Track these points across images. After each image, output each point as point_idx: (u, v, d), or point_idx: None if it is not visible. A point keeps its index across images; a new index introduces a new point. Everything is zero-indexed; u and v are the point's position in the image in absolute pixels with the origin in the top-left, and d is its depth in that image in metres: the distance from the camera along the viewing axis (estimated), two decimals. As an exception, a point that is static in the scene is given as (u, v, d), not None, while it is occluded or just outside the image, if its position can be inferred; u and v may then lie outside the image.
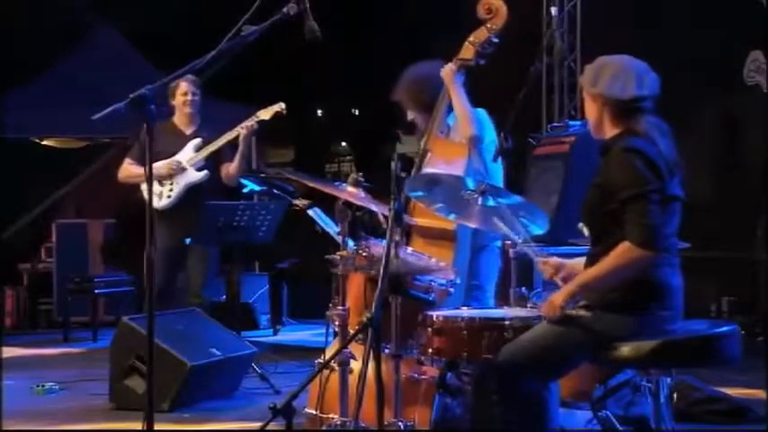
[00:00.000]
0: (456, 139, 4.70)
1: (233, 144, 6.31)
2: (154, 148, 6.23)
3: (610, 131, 3.59)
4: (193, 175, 6.34)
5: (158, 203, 6.29)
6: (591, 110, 3.63)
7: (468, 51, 4.66)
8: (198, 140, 6.39)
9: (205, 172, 6.36)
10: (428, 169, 4.51)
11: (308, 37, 3.77)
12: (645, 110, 3.55)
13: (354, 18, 11.34)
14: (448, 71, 4.65)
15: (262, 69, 10.94)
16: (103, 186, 6.78)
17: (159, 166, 6.21)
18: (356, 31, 11.45)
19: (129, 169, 6.47)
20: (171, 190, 6.32)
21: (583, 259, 3.68)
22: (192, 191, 6.35)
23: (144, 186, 6.32)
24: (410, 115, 4.92)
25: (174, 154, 6.34)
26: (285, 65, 11.34)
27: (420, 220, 4.49)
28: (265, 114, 6.25)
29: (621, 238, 3.40)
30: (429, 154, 4.64)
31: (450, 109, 4.71)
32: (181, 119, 6.46)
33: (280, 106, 6.22)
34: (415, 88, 4.82)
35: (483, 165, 4.61)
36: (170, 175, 6.30)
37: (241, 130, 6.23)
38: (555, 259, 3.73)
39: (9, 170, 10.00)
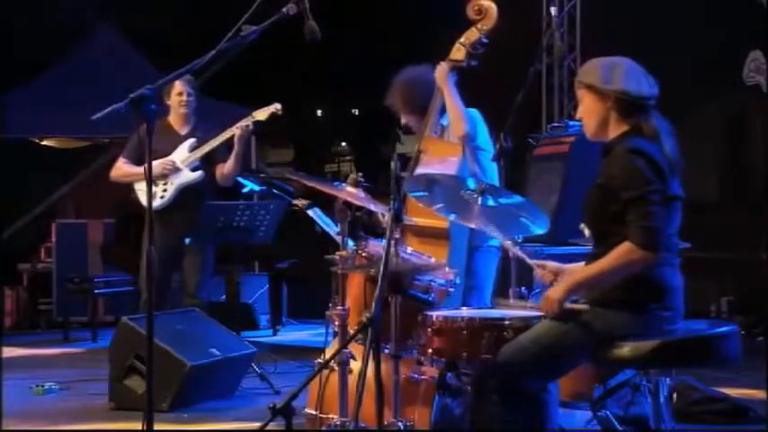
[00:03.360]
0: (450, 139, 4.71)
1: (227, 144, 6.26)
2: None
3: (614, 131, 3.56)
4: (188, 176, 6.28)
5: (152, 203, 6.25)
6: (595, 109, 3.57)
7: (459, 53, 4.67)
8: (192, 140, 6.33)
9: (200, 172, 6.30)
10: (422, 169, 4.51)
11: (308, 37, 3.76)
12: (652, 108, 3.55)
13: (354, 18, 11.34)
14: (441, 71, 4.65)
15: (262, 69, 10.95)
16: (103, 186, 6.75)
17: (153, 166, 6.17)
18: (356, 31, 11.45)
19: (123, 168, 6.40)
20: (165, 190, 6.25)
21: (580, 264, 3.69)
22: (186, 191, 6.30)
23: (137, 186, 6.32)
24: (404, 119, 4.93)
25: (168, 154, 6.29)
26: (285, 65, 11.35)
27: (414, 219, 4.49)
28: (261, 115, 6.17)
29: (623, 239, 3.40)
30: (423, 154, 4.63)
31: (443, 109, 4.71)
32: (175, 119, 6.41)
33: (275, 107, 6.15)
34: (408, 91, 4.83)
35: (478, 165, 4.62)
36: (164, 175, 6.23)
37: (236, 130, 6.15)
38: (552, 263, 3.73)
39: (9, 170, 10.00)
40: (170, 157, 6.27)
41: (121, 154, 6.47)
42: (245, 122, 6.16)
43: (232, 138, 6.20)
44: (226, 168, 6.32)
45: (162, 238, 6.05)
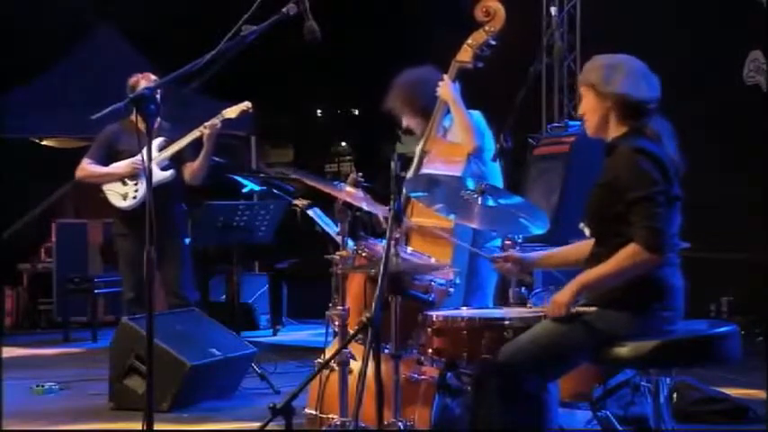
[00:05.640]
0: (453, 140, 4.70)
1: (196, 143, 6.15)
2: (115, 147, 6.25)
3: (615, 131, 3.56)
4: (159, 175, 6.10)
5: (123, 204, 6.16)
6: (595, 108, 3.57)
7: (466, 54, 4.67)
8: (161, 139, 6.18)
9: (171, 171, 6.17)
10: (426, 169, 4.51)
11: (308, 37, 3.76)
12: (654, 111, 3.55)
13: (354, 18, 11.35)
14: (445, 88, 4.64)
15: (262, 69, 10.94)
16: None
17: (122, 166, 6.12)
18: (356, 31, 11.46)
19: (88, 168, 6.28)
20: (136, 190, 6.16)
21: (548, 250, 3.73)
22: (157, 190, 6.21)
23: (106, 187, 6.26)
24: (405, 122, 4.92)
25: (135, 153, 6.08)
26: (285, 65, 11.35)
27: (419, 220, 4.49)
28: (231, 113, 6.08)
29: (626, 240, 3.39)
30: (427, 155, 4.64)
31: (446, 111, 4.71)
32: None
33: (246, 105, 6.07)
34: (409, 93, 4.81)
35: (483, 166, 4.62)
36: (134, 175, 6.16)
37: (204, 129, 6.06)
38: (516, 254, 3.77)
39: (9, 170, 10.00)
40: (139, 156, 6.15)
41: (86, 154, 6.34)
42: (214, 121, 6.07)
43: (201, 137, 6.10)
44: (194, 167, 6.19)
45: (135, 240, 6.00)
